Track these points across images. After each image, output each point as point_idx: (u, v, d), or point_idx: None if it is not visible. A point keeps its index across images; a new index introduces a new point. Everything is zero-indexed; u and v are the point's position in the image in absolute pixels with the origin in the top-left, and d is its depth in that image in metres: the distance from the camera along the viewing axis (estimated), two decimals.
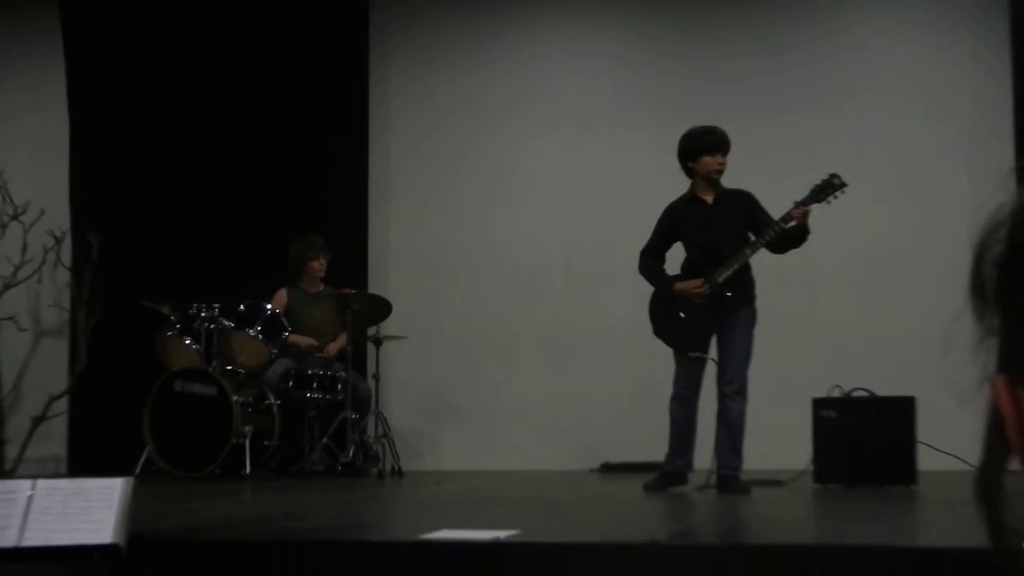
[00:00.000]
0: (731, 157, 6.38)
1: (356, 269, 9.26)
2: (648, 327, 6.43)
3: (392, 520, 4.92)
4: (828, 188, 6.16)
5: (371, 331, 8.66)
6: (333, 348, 8.28)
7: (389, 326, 8.72)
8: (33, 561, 2.80)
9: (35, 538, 2.81)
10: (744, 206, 6.34)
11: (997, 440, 0.83)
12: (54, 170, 9.61)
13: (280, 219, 8.88)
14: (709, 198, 6.35)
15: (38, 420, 9.38)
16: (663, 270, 6.39)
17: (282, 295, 8.27)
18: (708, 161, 6.25)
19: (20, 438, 9.42)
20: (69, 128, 9.53)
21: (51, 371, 9.69)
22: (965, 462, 6.83)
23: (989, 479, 0.85)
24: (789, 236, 6.16)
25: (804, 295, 7.87)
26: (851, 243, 8.19)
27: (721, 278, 6.14)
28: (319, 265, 8.39)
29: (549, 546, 3.57)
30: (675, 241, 6.43)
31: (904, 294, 8.16)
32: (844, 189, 6.16)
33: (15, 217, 9.58)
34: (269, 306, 8.13)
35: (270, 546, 3.74)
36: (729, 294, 6.17)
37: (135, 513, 2.89)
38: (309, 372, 8.07)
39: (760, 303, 6.34)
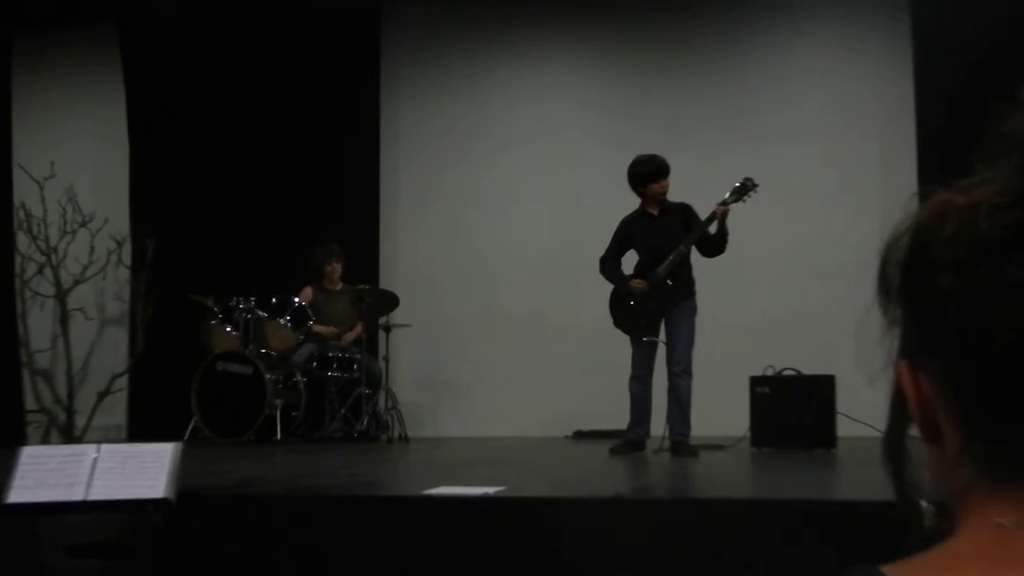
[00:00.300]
0: (675, 170, 6.43)
1: (368, 267, 9.23)
2: (611, 318, 6.49)
3: (398, 478, 4.92)
4: (743, 189, 6.24)
5: (381, 320, 8.63)
6: (350, 336, 8.26)
7: (397, 316, 8.65)
8: (97, 512, 2.77)
9: (99, 493, 2.82)
10: (683, 216, 6.38)
11: (900, 412, 0.84)
12: (115, 185, 9.57)
13: (305, 225, 8.85)
14: (656, 211, 6.41)
15: (102, 395, 9.39)
16: (620, 271, 6.44)
17: (308, 291, 8.27)
18: (654, 187, 6.34)
19: (87, 410, 9.42)
20: (129, 149, 9.48)
21: (113, 354, 9.70)
22: (876, 429, 6.91)
23: (894, 444, 0.85)
24: (714, 239, 6.22)
25: (742, 291, 7.85)
26: (782, 247, 8.18)
27: (663, 271, 6.20)
28: (334, 268, 8.39)
29: (530, 500, 3.56)
30: (629, 248, 6.49)
31: (826, 290, 8.10)
32: (756, 189, 6.25)
33: (83, 225, 9.56)
34: (297, 300, 8.13)
35: (296, 500, 3.76)
36: (670, 283, 6.22)
37: (183, 472, 2.90)
38: (330, 355, 8.10)
39: (704, 298, 6.36)
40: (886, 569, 0.82)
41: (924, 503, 0.86)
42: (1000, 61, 6.73)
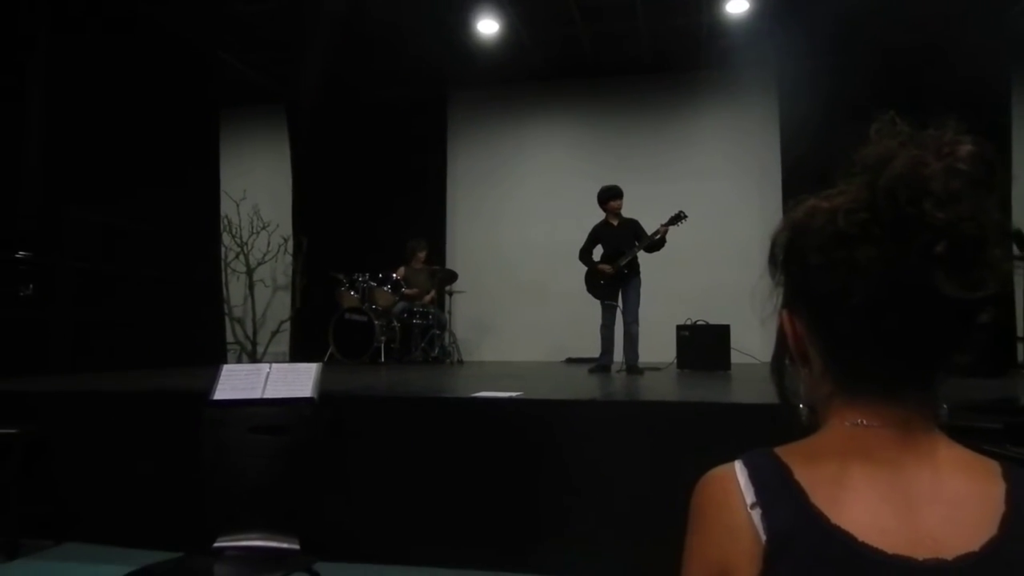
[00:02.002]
0: (627, 197, 6.46)
1: (440, 254, 9.24)
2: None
3: (456, 386, 4.93)
4: (678, 218, 6.18)
5: (447, 288, 8.66)
6: (427, 298, 8.20)
7: (457, 285, 8.68)
8: (270, 405, 2.76)
9: (271, 393, 2.80)
10: (633, 227, 6.33)
11: (782, 344, 0.84)
12: (283, 203, 9.54)
13: (401, 228, 8.81)
14: (615, 222, 6.39)
15: (274, 333, 9.52)
16: (592, 260, 6.40)
17: (402, 269, 8.20)
18: (613, 204, 6.36)
19: (265, 342, 9.55)
20: (292, 181, 9.44)
21: (281, 307, 9.73)
22: (755, 359, 6.91)
23: (778, 365, 0.85)
24: (655, 244, 6.19)
25: (673, 273, 7.79)
26: (695, 244, 8.08)
27: (622, 262, 6.18)
28: (419, 255, 8.32)
29: (539, 401, 3.52)
30: (596, 245, 6.44)
31: (725, 272, 8.09)
32: (685, 219, 6.18)
33: (263, 228, 9.69)
34: (395, 275, 8.08)
35: (392, 399, 3.73)
36: (626, 271, 6.19)
37: (323, 381, 2.86)
38: (415, 310, 8.04)
39: (646, 275, 6.30)
40: (777, 450, 0.80)
41: (801, 406, 0.84)
42: (840, 124, 6.67)
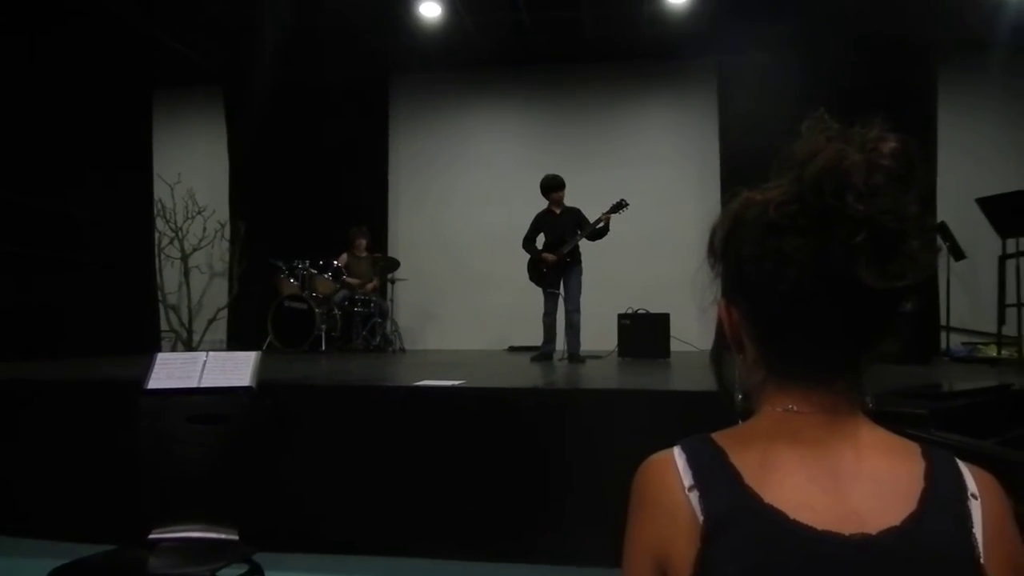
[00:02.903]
0: (570, 184, 6.49)
1: (381, 242, 9.16)
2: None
3: (399, 374, 4.90)
4: (620, 206, 6.25)
5: (389, 276, 8.62)
6: (369, 286, 8.13)
7: (399, 273, 8.65)
8: (205, 395, 2.73)
9: (208, 382, 2.77)
10: (575, 216, 6.37)
11: (720, 334, 0.87)
12: (219, 187, 9.38)
13: (341, 214, 8.71)
14: (557, 211, 6.42)
15: (211, 320, 9.30)
16: (535, 248, 6.42)
17: (343, 257, 8.13)
18: (556, 195, 6.39)
19: (201, 330, 9.32)
20: (228, 165, 9.30)
21: (218, 295, 9.54)
22: (693, 347, 7.03)
23: (716, 354, 0.89)
24: (598, 233, 6.25)
25: (614, 261, 7.87)
26: (638, 232, 8.20)
27: (564, 250, 6.21)
28: (361, 242, 8.27)
29: (481, 389, 3.51)
30: (539, 232, 6.47)
31: (665, 260, 8.19)
32: (627, 207, 6.26)
33: (199, 213, 9.46)
34: (336, 262, 8.03)
35: (332, 388, 3.69)
36: (568, 259, 6.22)
37: (261, 369, 2.83)
38: (356, 298, 7.99)
39: (587, 264, 6.35)
40: (713, 435, 0.83)
41: (737, 393, 0.88)
42: (776, 115, 6.81)
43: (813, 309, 0.76)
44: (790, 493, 0.74)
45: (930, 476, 0.76)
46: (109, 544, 2.40)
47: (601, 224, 6.22)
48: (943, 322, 7.43)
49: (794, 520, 0.72)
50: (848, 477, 0.75)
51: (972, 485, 0.76)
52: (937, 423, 1.86)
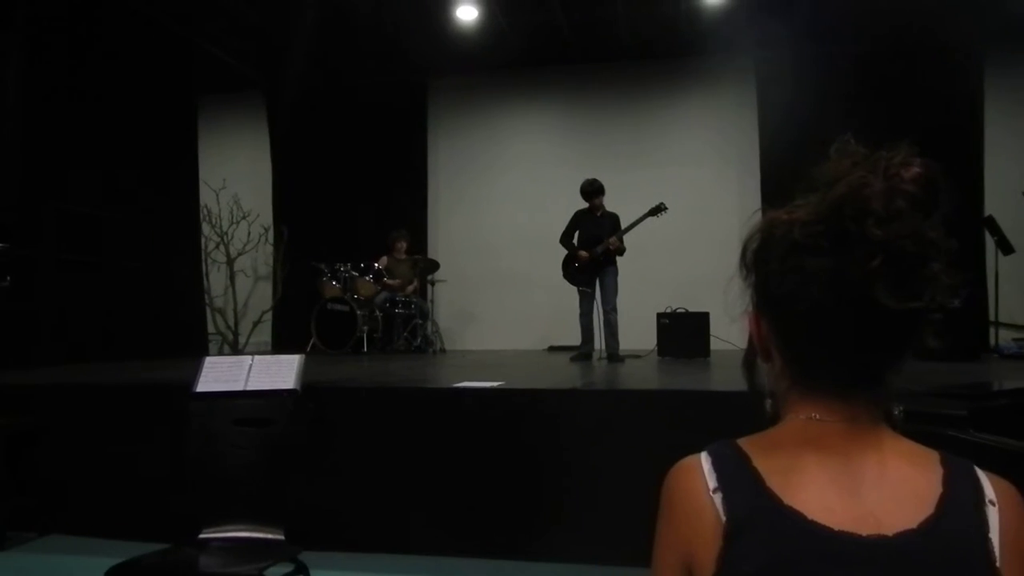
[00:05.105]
0: (608, 185, 6.48)
1: (422, 244, 9.25)
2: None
3: (439, 376, 4.95)
4: (658, 210, 6.28)
5: (429, 278, 8.66)
6: (409, 288, 8.20)
7: (439, 275, 8.68)
8: (251, 398, 2.79)
9: (253, 385, 2.83)
10: (612, 221, 6.38)
11: (751, 343, 0.91)
12: (264, 193, 9.56)
13: (383, 218, 8.81)
14: (597, 213, 6.41)
15: (256, 323, 9.49)
16: (573, 244, 6.43)
17: (384, 259, 8.20)
18: (596, 201, 6.39)
19: (246, 332, 9.53)
20: (272, 171, 9.48)
21: (262, 297, 9.71)
22: (733, 345, 6.97)
23: (748, 361, 0.92)
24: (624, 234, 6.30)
25: (654, 262, 7.87)
26: (675, 235, 8.14)
27: (599, 250, 6.22)
28: (401, 245, 8.33)
29: (520, 390, 3.54)
30: (576, 230, 6.47)
31: (705, 261, 8.13)
32: (665, 211, 6.29)
33: (244, 218, 9.61)
34: (377, 264, 8.11)
35: (374, 389, 3.74)
36: (602, 259, 6.24)
37: (305, 372, 2.89)
38: (397, 299, 8.05)
39: (627, 264, 6.36)
40: (739, 441, 0.85)
41: (767, 398, 0.91)
42: (818, 113, 6.73)
43: (833, 326, 0.79)
44: (810, 496, 0.77)
45: (948, 482, 0.78)
46: (163, 543, 2.48)
47: (634, 226, 6.28)
48: (992, 318, 7.26)
49: (811, 520, 0.75)
50: (868, 482, 0.78)
51: (990, 492, 0.78)
52: (976, 424, 1.84)
